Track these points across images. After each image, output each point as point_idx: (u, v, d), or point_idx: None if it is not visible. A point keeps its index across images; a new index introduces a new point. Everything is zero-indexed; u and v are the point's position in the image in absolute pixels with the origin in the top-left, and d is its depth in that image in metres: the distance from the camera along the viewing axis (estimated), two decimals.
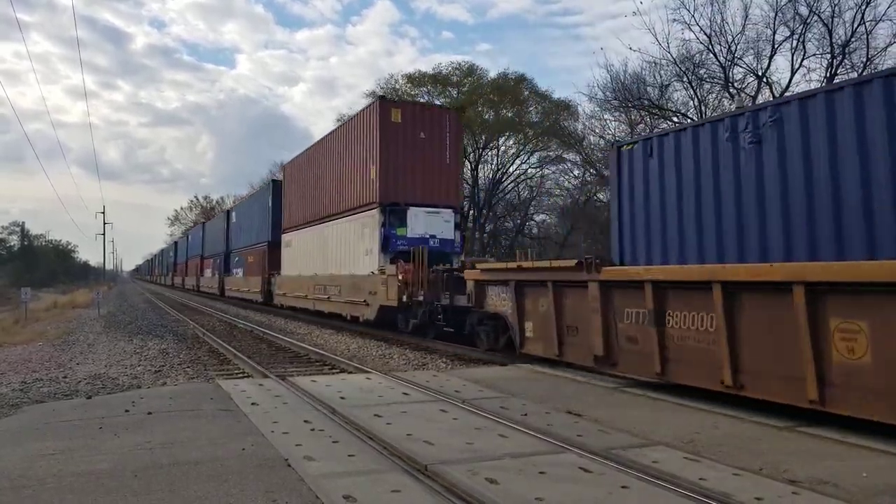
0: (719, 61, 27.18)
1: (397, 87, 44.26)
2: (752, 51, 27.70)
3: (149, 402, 7.44)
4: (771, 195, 7.68)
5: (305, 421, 6.37)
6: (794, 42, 24.37)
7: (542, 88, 41.68)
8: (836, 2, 23.13)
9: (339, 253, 19.66)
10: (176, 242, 72.31)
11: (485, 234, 41.79)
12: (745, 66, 28.04)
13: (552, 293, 9.57)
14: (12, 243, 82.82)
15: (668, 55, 28.40)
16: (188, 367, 12.04)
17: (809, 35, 24.30)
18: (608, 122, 32.40)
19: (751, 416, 6.49)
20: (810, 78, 24.69)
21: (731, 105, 25.72)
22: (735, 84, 27.26)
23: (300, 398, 7.61)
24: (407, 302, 14.96)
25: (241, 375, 10.93)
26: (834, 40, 23.71)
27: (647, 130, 27.50)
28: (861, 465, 4.86)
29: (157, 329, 20.36)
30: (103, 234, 79.39)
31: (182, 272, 58.09)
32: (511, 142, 42.10)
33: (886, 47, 21.15)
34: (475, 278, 11.90)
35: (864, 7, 19.88)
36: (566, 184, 40.79)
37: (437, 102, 38.04)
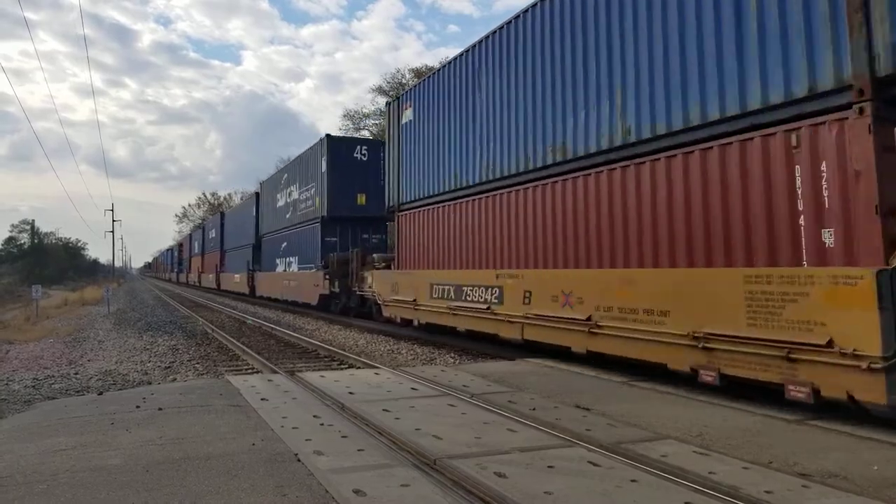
0: None
1: (404, 81, 44.32)
2: None
3: (159, 397, 7.49)
4: None
5: (314, 416, 6.40)
6: None
7: None
8: None
9: None
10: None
11: None
12: None
13: None
14: (22, 241, 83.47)
15: None
16: (198, 363, 12.11)
17: None
18: None
19: (760, 409, 6.48)
20: None
21: None
22: None
23: (309, 393, 7.65)
24: None
25: (250, 371, 10.99)
26: None
27: None
28: (871, 458, 4.84)
29: (166, 326, 20.48)
30: (112, 232, 79.97)
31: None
32: None
33: None
34: None
35: None
36: None
37: None
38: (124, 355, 13.28)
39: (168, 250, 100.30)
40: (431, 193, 14.21)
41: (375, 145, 23.23)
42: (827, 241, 6.22)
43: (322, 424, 6.05)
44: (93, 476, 4.58)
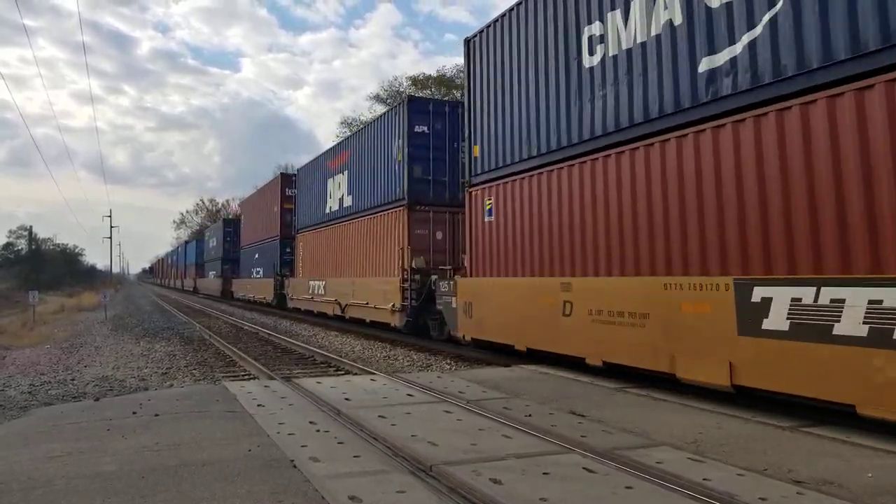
0: None
1: (401, 89, 44.44)
2: None
3: (156, 403, 7.49)
4: None
5: (311, 422, 6.40)
6: None
7: None
8: None
9: None
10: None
11: None
12: None
13: None
14: (20, 247, 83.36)
15: None
16: (195, 369, 12.10)
17: None
18: None
19: (754, 416, 6.50)
20: None
21: None
22: None
23: (305, 400, 7.65)
24: None
25: (246, 377, 10.98)
26: None
27: None
28: (865, 465, 4.86)
29: (163, 331, 20.44)
30: (110, 238, 79.94)
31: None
32: None
33: None
34: None
35: None
36: None
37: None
38: (121, 361, 13.25)
39: (188, 243, 69.29)
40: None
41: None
42: None
43: (318, 430, 6.06)
44: (88, 482, 4.58)
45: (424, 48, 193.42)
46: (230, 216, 49.84)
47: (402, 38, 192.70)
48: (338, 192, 21.04)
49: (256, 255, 32.84)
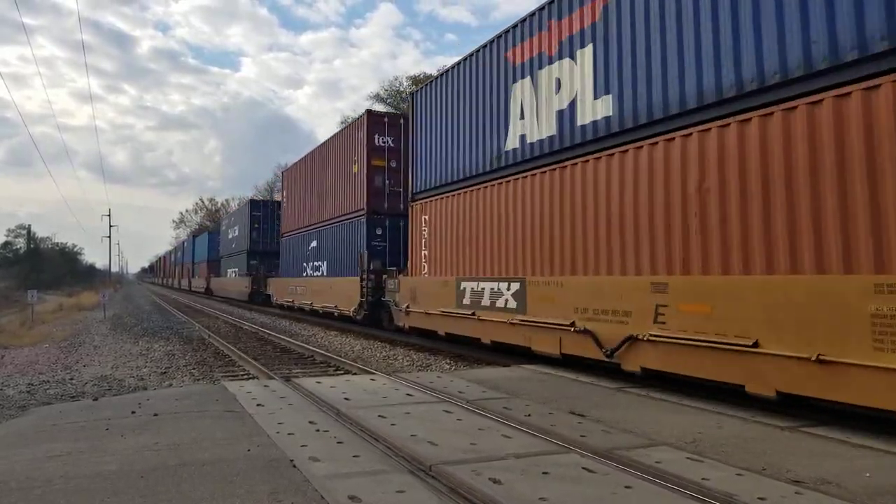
0: None
1: (401, 89, 44.47)
2: None
3: (155, 403, 7.49)
4: None
5: (310, 422, 6.40)
6: None
7: None
8: None
9: None
10: None
11: None
12: None
13: None
14: (19, 246, 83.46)
15: None
16: (194, 368, 12.10)
17: None
18: None
19: (754, 416, 6.51)
20: None
21: None
22: None
23: (305, 399, 7.65)
24: None
25: (246, 377, 10.98)
26: None
27: None
28: (864, 465, 4.87)
29: (162, 331, 20.44)
30: (109, 237, 79.97)
31: None
32: None
33: None
34: None
35: None
36: None
37: None
38: (120, 360, 13.25)
39: (197, 236, 58.31)
40: None
41: None
42: None
43: (318, 430, 6.06)
44: (88, 482, 4.58)
45: (425, 48, 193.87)
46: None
47: (402, 38, 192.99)
48: (551, 101, 10.28)
49: (314, 244, 23.34)
